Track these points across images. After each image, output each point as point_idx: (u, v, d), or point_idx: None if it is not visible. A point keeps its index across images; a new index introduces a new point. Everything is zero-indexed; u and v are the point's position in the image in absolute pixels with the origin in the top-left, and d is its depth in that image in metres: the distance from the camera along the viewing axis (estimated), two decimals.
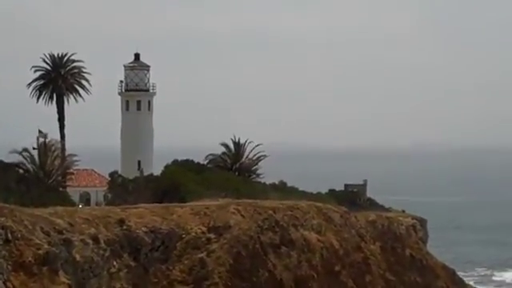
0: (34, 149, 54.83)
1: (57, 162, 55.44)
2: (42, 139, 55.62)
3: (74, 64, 62.68)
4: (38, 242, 29.10)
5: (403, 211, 70.18)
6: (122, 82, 67.82)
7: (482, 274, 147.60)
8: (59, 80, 60.43)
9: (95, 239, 35.62)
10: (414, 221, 69.13)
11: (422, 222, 70.28)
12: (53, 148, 56.14)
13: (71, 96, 61.46)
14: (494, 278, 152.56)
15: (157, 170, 60.14)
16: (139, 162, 64.85)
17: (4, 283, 25.58)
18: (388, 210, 69.28)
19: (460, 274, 74.18)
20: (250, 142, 66.41)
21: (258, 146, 65.99)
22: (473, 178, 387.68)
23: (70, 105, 62.76)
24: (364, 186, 69.50)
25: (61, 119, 59.67)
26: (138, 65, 68.40)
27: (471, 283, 79.42)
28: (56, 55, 61.35)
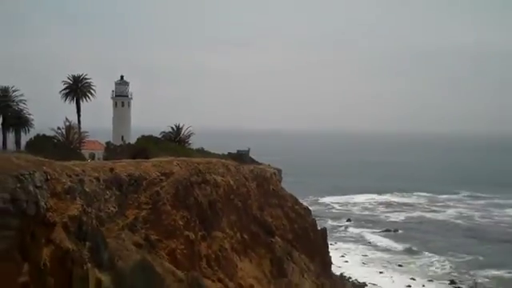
0: (62, 128, 54.98)
1: (76, 136, 55.71)
2: (67, 123, 55.60)
3: (86, 81, 62.25)
4: (64, 180, 28.77)
5: (269, 165, 70.78)
6: (113, 91, 68.69)
7: (313, 199, 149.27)
8: (77, 90, 60.18)
9: (97, 179, 35.39)
10: (275, 170, 69.84)
11: (279, 171, 71.05)
12: (73, 128, 56.26)
13: (84, 99, 61.08)
14: (319, 201, 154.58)
15: (133, 140, 60.02)
16: (122, 136, 64.89)
17: (45, 203, 25.37)
18: (261, 164, 69.72)
19: (300, 199, 75.13)
20: (184, 125, 67.07)
21: (189, 127, 66.62)
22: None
23: (84, 103, 62.58)
24: (248, 151, 69.91)
25: (78, 112, 59.35)
26: (122, 82, 68.88)
27: (306, 203, 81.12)
28: (76, 75, 61.13)
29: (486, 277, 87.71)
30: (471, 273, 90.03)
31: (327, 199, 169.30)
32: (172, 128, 66.33)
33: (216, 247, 45.75)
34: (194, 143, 66.28)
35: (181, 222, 41.06)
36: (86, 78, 63.55)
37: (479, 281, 68.31)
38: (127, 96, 68.90)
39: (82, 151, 54.62)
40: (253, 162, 68.81)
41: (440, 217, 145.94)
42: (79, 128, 59.47)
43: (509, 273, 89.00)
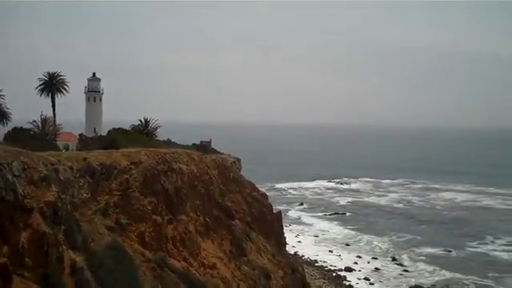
0: (38, 121, 54.12)
1: (51, 128, 54.87)
2: (43, 116, 54.68)
3: (60, 77, 61.43)
4: (40, 169, 28.36)
5: (229, 154, 70.79)
6: (86, 87, 67.54)
7: (269, 185, 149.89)
8: (52, 85, 59.32)
9: (71, 168, 34.94)
10: (235, 159, 69.88)
11: (238, 160, 71.13)
12: (49, 121, 55.43)
13: (59, 94, 60.27)
14: (275, 187, 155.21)
15: (104, 133, 59.34)
16: (95, 129, 64.10)
17: (23, 191, 25.06)
18: (222, 153, 69.67)
19: (257, 185, 75.39)
20: (152, 118, 66.68)
21: (156, 120, 66.31)
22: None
23: (59, 98, 61.74)
24: (210, 141, 69.77)
25: (53, 106, 58.60)
26: (94, 78, 67.85)
27: (264, 189, 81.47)
28: (51, 72, 60.33)
29: (421, 254, 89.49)
30: (410, 250, 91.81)
31: (282, 185, 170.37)
32: (140, 121, 65.83)
33: (181, 230, 45.65)
34: (161, 135, 65.92)
35: (149, 207, 40.85)
36: (61, 75, 62.82)
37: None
38: (99, 91, 68.03)
39: (57, 142, 53.88)
40: (215, 151, 68.68)
41: (382, 201, 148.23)
42: (54, 121, 58.71)
43: (442, 251, 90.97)
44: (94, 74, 68.61)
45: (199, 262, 46.18)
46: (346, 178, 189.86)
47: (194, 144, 67.07)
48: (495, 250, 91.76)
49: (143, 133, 63.39)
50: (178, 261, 42.28)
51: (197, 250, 46.97)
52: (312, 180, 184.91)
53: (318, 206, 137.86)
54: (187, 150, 57.63)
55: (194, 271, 42.80)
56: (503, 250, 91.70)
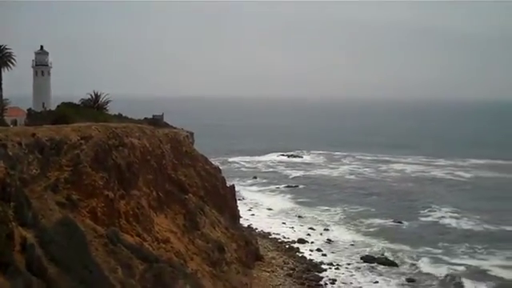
0: None
1: None
2: None
3: (6, 51, 59.89)
4: None
5: (182, 128, 70.56)
6: (33, 60, 65.97)
7: (222, 159, 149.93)
8: None
9: (19, 143, 34.39)
10: (188, 133, 69.73)
11: (191, 134, 71.00)
12: None
13: (5, 68, 58.77)
14: (228, 161, 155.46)
15: (53, 108, 58.34)
16: (43, 103, 62.91)
17: None
18: (175, 128, 69.38)
19: (211, 159, 75.43)
20: (103, 93, 65.77)
21: (107, 94, 65.43)
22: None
23: (5, 72, 60.29)
24: (162, 115, 69.30)
25: None
26: (42, 52, 66.25)
27: (217, 163, 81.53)
28: None
29: (372, 225, 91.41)
30: (362, 221, 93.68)
31: (235, 159, 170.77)
32: (91, 95, 64.88)
33: (134, 204, 45.53)
34: (112, 110, 65.14)
35: (100, 183, 40.54)
36: (7, 48, 61.25)
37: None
38: (47, 65, 66.54)
39: (4, 118, 52.76)
40: (167, 126, 68.32)
41: (335, 173, 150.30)
42: (1, 96, 57.42)
43: (393, 222, 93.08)
44: (41, 47, 67.00)
45: (153, 236, 46.24)
46: (298, 151, 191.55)
47: (145, 118, 66.59)
48: (444, 220, 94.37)
49: (94, 107, 62.55)
50: (131, 236, 42.26)
51: (150, 225, 46.98)
52: (265, 153, 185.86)
53: (271, 179, 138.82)
54: (139, 125, 57.27)
55: (147, 246, 42.85)
56: (452, 219, 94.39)
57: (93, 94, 64.73)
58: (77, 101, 63.51)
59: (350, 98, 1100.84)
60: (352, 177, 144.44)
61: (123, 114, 64.73)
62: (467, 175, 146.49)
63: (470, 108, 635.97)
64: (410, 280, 65.40)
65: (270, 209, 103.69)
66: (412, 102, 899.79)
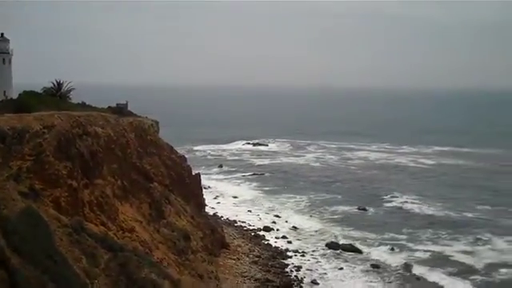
0: None
1: None
2: None
3: None
4: None
5: (146, 117, 70.12)
6: None
7: (188, 147, 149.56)
8: None
9: None
10: (153, 121, 69.36)
11: (156, 123, 70.64)
12: None
13: None
14: (194, 149, 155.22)
15: (15, 96, 57.39)
16: (4, 92, 61.76)
17: None
18: (140, 116, 68.85)
19: (176, 148, 75.16)
20: (66, 81, 64.85)
21: (69, 83, 64.57)
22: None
23: None
24: (126, 104, 68.61)
25: None
26: (2, 39, 64.83)
27: (182, 151, 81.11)
28: None
29: (337, 212, 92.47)
30: (327, 208, 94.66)
31: (200, 147, 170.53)
32: (53, 84, 63.89)
33: (98, 194, 45.27)
34: (75, 98, 64.33)
35: (64, 172, 40.19)
36: None
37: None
38: (8, 53, 65.17)
39: None
40: (131, 114, 67.76)
41: (300, 161, 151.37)
42: None
43: (356, 209, 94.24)
44: (1, 34, 65.64)
45: (117, 225, 46.09)
46: (263, 140, 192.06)
47: (109, 107, 65.86)
48: (408, 206, 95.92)
49: (56, 96, 61.68)
50: (96, 225, 42.06)
51: (115, 214, 46.79)
52: (230, 142, 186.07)
53: (236, 167, 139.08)
54: (103, 113, 56.72)
55: (112, 235, 42.71)
56: (415, 206, 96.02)
57: (55, 83, 63.78)
58: (39, 89, 62.48)
59: (324, 86, 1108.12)
60: (317, 164, 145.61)
61: (87, 103, 63.96)
62: (430, 162, 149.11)
63: (442, 97, 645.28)
64: (374, 266, 66.46)
65: (235, 197, 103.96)
66: (384, 90, 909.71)
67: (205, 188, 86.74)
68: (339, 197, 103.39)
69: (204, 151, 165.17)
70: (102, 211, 44.73)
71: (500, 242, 75.58)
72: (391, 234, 79.20)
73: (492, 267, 66.33)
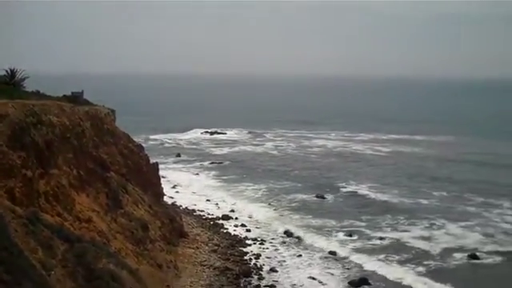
0: None
1: None
2: None
3: None
4: None
5: (103, 105, 69.25)
6: None
7: (145, 136, 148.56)
8: None
9: None
10: (109, 110, 68.60)
11: (113, 111, 69.87)
12: None
13: None
14: (151, 138, 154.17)
15: None
16: None
17: None
18: (96, 105, 67.92)
19: (133, 137, 74.56)
20: (19, 69, 63.40)
21: (23, 71, 63.21)
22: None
23: None
24: (82, 93, 67.50)
25: None
26: None
27: (140, 140, 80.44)
28: None
29: (295, 200, 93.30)
30: (285, 196, 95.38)
31: (158, 136, 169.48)
32: (6, 72, 62.42)
33: (54, 184, 44.65)
34: (29, 86, 63.05)
35: (18, 162, 39.51)
36: None
37: None
38: None
39: None
40: (87, 103, 66.80)
41: (259, 149, 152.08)
42: None
43: (315, 197, 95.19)
44: None
45: (74, 216, 45.60)
46: (222, 128, 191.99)
47: (64, 95, 64.78)
48: (365, 194, 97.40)
49: (9, 84, 60.32)
50: (52, 216, 41.52)
51: (71, 204, 46.28)
52: (187, 130, 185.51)
53: (195, 156, 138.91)
54: (58, 102, 55.82)
55: (68, 226, 42.24)
56: (373, 193, 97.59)
57: (8, 70, 62.33)
58: None
59: (283, 75, 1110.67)
60: (276, 153, 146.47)
61: (41, 91, 62.77)
62: (387, 150, 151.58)
63: (398, 85, 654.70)
64: (332, 253, 67.38)
65: (194, 185, 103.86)
66: (337, 78, 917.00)
67: (163, 177, 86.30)
68: (298, 185, 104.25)
69: (161, 140, 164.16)
70: (58, 201, 44.16)
71: (454, 228, 77.54)
72: (350, 221, 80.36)
73: (447, 252, 68.06)
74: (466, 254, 66.75)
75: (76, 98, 65.02)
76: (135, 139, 75.44)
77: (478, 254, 66.83)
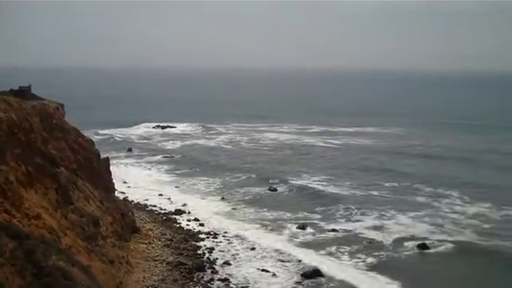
0: None
1: None
2: None
3: None
4: None
5: (51, 100, 68.07)
6: None
7: (95, 131, 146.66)
8: None
9: None
10: (58, 105, 67.49)
11: (62, 106, 68.81)
12: None
13: None
14: (101, 133, 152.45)
15: None
16: None
17: None
18: (44, 99, 66.67)
19: (83, 131, 73.47)
20: None
21: None
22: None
23: None
24: (30, 87, 66.22)
25: None
26: None
27: (90, 135, 79.27)
28: None
29: (249, 193, 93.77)
30: (238, 190, 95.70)
31: (108, 131, 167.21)
32: None
33: (1, 180, 43.73)
34: None
35: None
36: None
37: None
38: None
39: None
40: (35, 97, 65.52)
41: (211, 143, 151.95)
42: None
43: (267, 190, 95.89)
44: None
45: (22, 213, 44.76)
46: (173, 122, 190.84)
47: (11, 90, 63.42)
48: (318, 186, 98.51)
49: None
50: None
51: (19, 201, 45.41)
52: (138, 124, 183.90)
53: (146, 150, 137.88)
54: (4, 97, 54.62)
55: (17, 223, 41.48)
56: (325, 186, 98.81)
57: None
58: None
59: (245, 68, 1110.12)
60: (229, 147, 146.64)
61: None
62: (338, 142, 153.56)
63: (355, 77, 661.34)
64: (285, 246, 68.01)
65: (145, 180, 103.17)
66: (293, 71, 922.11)
67: (114, 172, 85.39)
68: (251, 178, 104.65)
69: (111, 135, 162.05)
70: (6, 198, 43.28)
71: (404, 218, 79.29)
72: (303, 214, 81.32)
73: (397, 242, 69.57)
74: (416, 244, 68.39)
75: (23, 93, 63.74)
76: (86, 134, 74.38)
77: (427, 242, 68.59)
